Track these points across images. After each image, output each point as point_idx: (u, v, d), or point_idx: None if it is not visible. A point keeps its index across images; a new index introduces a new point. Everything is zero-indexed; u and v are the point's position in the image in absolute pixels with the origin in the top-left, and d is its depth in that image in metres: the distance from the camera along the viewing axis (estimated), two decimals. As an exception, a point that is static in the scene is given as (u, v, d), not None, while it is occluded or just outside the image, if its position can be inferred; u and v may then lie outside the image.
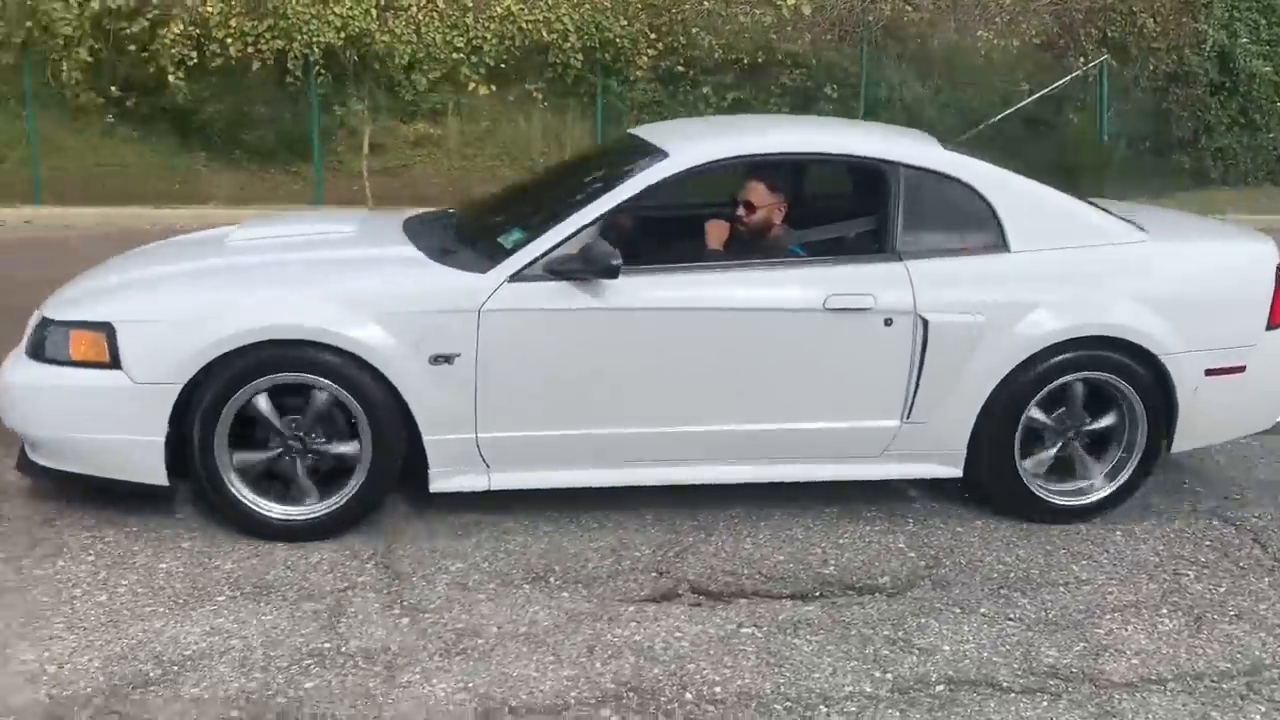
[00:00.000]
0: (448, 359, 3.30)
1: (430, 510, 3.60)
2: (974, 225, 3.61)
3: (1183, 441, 3.79)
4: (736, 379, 3.54)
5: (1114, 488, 3.74)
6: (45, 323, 3.40)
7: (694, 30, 12.59)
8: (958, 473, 3.71)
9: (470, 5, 12.13)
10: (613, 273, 3.31)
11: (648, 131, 4.21)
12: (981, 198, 3.62)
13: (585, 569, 3.31)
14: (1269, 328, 3.72)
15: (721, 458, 3.64)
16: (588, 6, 12.37)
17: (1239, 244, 4.04)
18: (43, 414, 3.35)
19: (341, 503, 3.40)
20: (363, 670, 2.69)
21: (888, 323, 3.46)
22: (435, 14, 12.09)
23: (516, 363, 3.38)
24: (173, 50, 11.34)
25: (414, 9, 12.05)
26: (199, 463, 3.29)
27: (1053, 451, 3.72)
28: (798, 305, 3.44)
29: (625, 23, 12.41)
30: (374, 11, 11.84)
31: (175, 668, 2.67)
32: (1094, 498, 3.75)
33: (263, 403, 3.28)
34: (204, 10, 11.37)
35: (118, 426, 3.26)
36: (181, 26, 11.33)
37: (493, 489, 3.51)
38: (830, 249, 3.76)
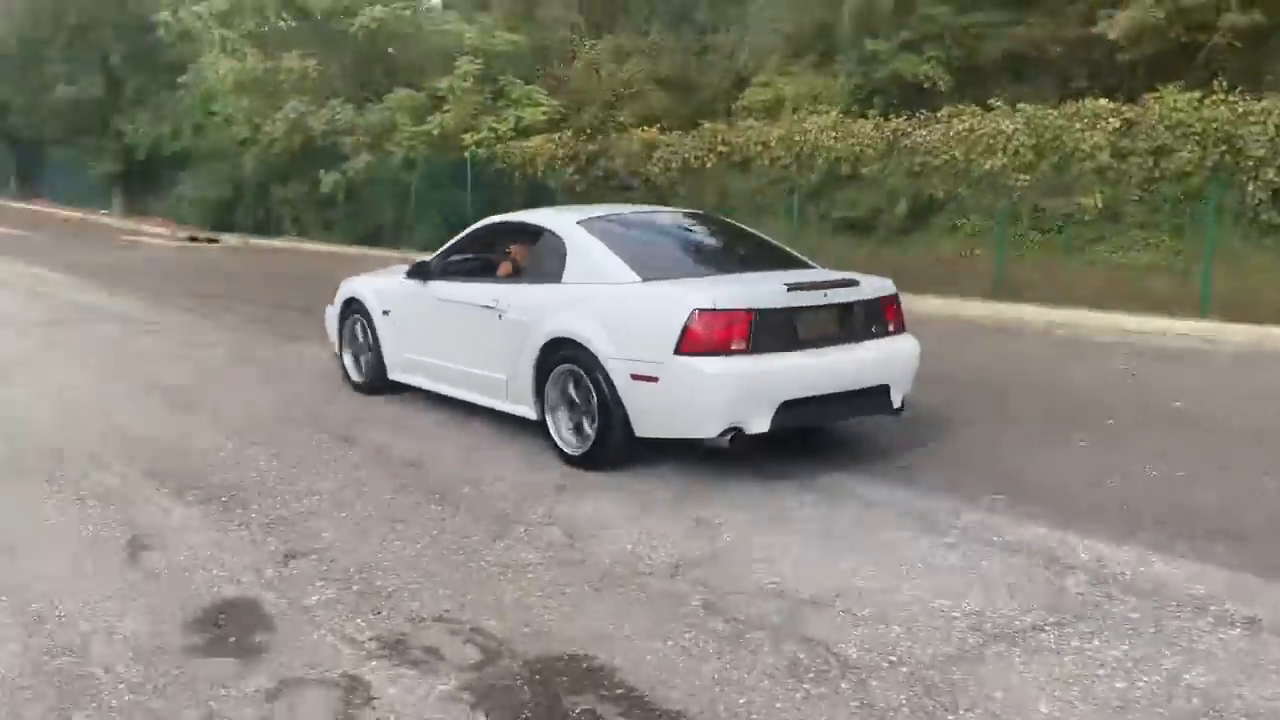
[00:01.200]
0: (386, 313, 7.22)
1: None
2: (556, 265, 5.95)
3: (642, 428, 5.25)
4: (460, 339, 6.56)
5: (589, 445, 5.47)
6: None
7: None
8: (535, 417, 5.92)
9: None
10: (425, 277, 6.84)
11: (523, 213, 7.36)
12: (564, 250, 5.97)
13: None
14: (678, 352, 4.99)
15: (458, 384, 6.64)
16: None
17: (674, 290, 5.33)
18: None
19: None
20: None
21: (500, 317, 6.18)
22: None
23: (404, 318, 7.09)
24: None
25: None
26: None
27: (566, 414, 5.67)
28: (479, 304, 6.36)
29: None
30: None
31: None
32: (580, 450, 5.53)
33: None
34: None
35: None
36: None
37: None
38: (503, 277, 6.59)
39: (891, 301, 5.74)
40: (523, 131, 22.54)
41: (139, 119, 31.79)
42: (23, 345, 9.35)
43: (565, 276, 5.82)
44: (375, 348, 7.29)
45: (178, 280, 15.84)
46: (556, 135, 21.36)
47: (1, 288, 13.92)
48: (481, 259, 7.02)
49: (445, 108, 23.47)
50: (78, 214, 34.66)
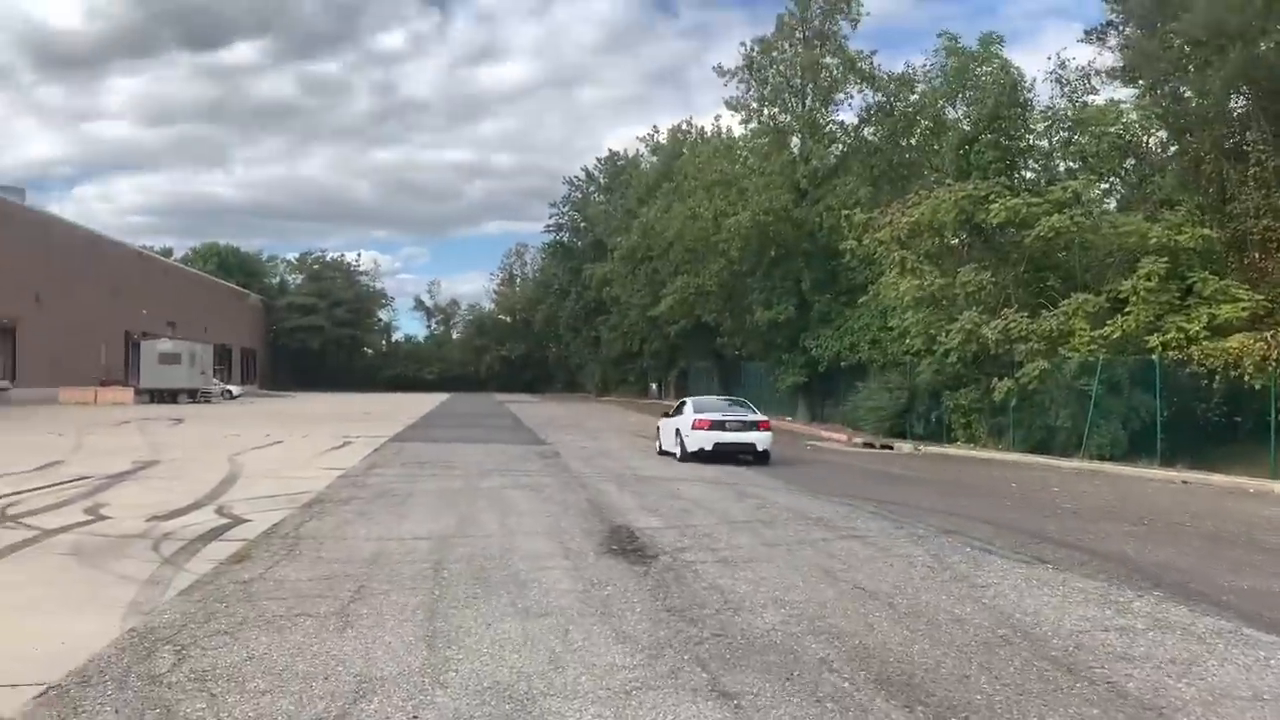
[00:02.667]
0: None
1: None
2: (682, 409, 20.88)
3: (686, 451, 20.80)
4: (669, 434, 22.44)
5: (678, 455, 20.97)
6: None
7: None
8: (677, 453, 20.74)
9: None
10: (666, 415, 18.38)
11: None
12: (685, 405, 21.51)
13: None
14: (692, 428, 20.65)
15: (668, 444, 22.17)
16: None
17: (697, 413, 21.20)
18: None
19: None
20: None
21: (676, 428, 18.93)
22: None
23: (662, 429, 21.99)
24: None
25: None
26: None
27: (676, 446, 21.13)
28: (672, 423, 20.35)
29: None
30: None
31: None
32: (676, 457, 20.38)
33: None
34: None
35: None
36: None
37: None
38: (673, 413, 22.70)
39: (764, 421, 21.18)
40: (1217, 330, 20.50)
41: (823, 335, 35.04)
42: (746, 542, 10.39)
43: (684, 411, 20.81)
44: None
45: (864, 487, 16.66)
46: (1269, 333, 19.03)
47: (715, 486, 15.81)
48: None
49: (1127, 310, 22.35)
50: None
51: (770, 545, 10.21)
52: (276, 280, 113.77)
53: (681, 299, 40.86)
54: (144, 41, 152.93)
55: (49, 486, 14.31)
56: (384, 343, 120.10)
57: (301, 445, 23.99)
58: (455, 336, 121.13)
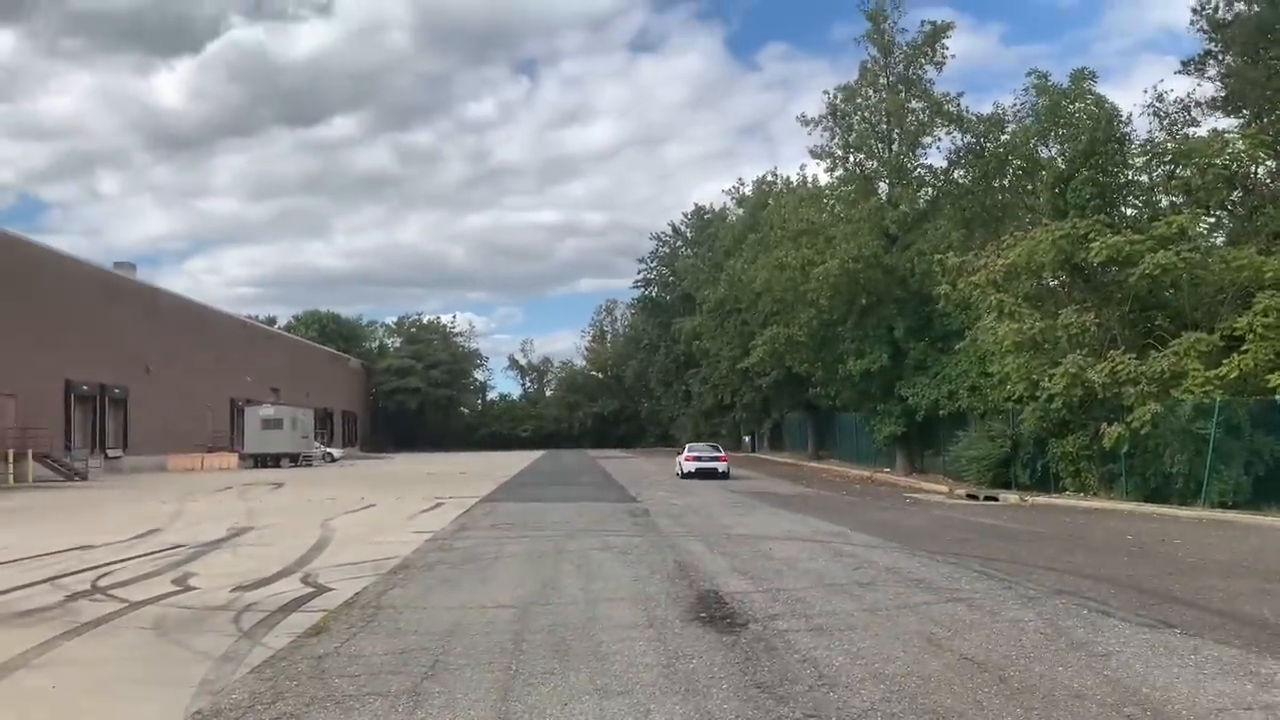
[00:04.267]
0: None
1: None
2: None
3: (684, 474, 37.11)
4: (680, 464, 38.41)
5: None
6: None
7: None
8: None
9: None
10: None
11: None
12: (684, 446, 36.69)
13: None
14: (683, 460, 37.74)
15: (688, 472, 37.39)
16: None
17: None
18: None
19: None
20: None
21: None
22: None
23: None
24: None
25: None
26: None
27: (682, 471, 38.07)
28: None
29: None
30: None
31: None
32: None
33: None
34: None
35: None
36: None
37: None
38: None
39: (723, 455, 38.69)
40: (1350, 365, 19.22)
41: (919, 384, 34.02)
42: (843, 607, 9.81)
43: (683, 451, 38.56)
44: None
45: (966, 542, 15.82)
46: None
47: (809, 544, 15.17)
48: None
49: (1243, 348, 21.15)
50: (864, 472, 37.73)
51: (869, 610, 9.60)
52: (375, 344, 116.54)
53: (771, 350, 40.19)
54: (246, 120, 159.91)
55: (143, 556, 14.45)
56: (479, 402, 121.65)
57: (394, 507, 24.05)
58: (549, 394, 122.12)
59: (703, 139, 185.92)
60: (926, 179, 37.20)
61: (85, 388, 47.31)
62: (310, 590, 11.11)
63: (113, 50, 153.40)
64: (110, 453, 49.14)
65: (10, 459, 38.88)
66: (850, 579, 11.66)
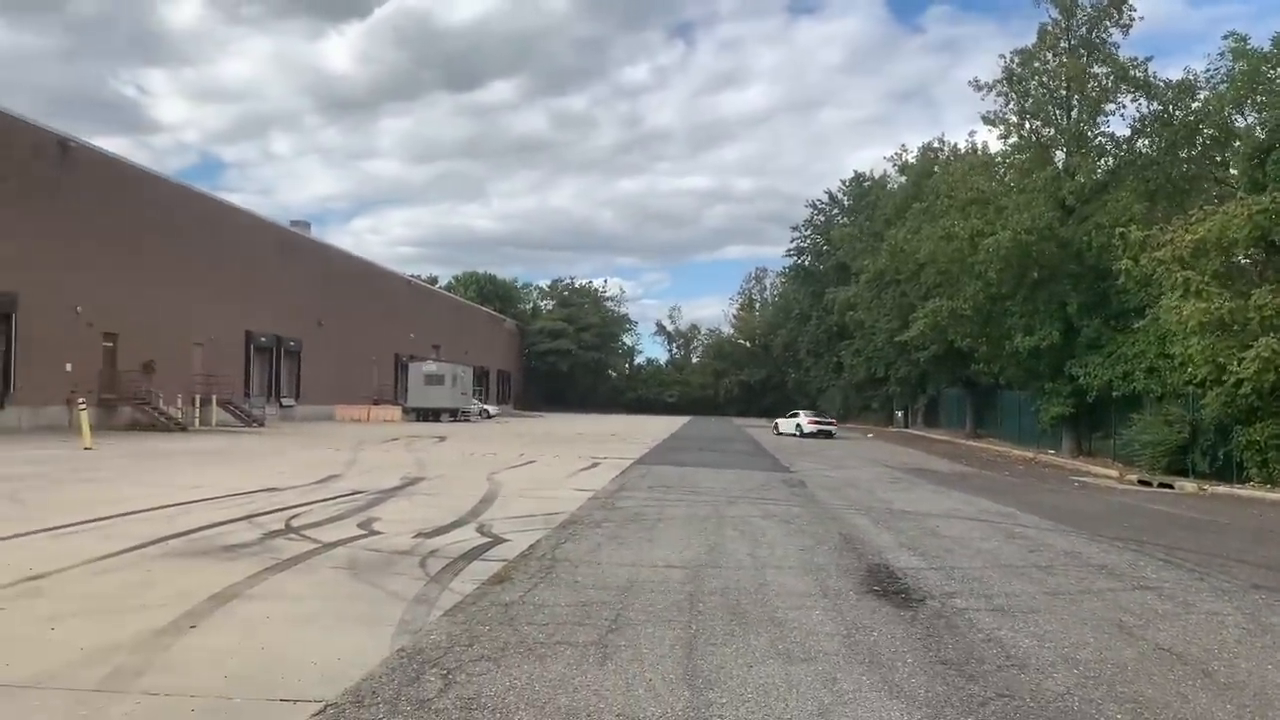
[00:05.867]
0: None
1: None
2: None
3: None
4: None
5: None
6: None
7: None
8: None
9: None
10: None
11: None
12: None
13: None
14: None
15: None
16: None
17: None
18: None
19: None
20: None
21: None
22: None
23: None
24: None
25: None
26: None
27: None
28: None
29: None
30: None
31: None
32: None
33: None
34: None
35: None
36: None
37: None
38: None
39: (834, 420, 56.15)
40: None
41: (1091, 363, 32.55)
42: (1022, 588, 9.54)
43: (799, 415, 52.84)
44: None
45: (1146, 529, 15.14)
46: None
47: (977, 524, 14.79)
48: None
49: None
50: (1028, 453, 36.46)
51: (1050, 594, 9.30)
52: (529, 306, 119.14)
53: (933, 323, 39.03)
54: (409, 84, 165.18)
55: (327, 500, 15.26)
56: (627, 366, 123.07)
57: (553, 465, 24.64)
58: (695, 360, 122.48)
59: (860, 104, 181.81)
60: (1107, 148, 35.39)
61: (263, 339, 50.08)
62: (487, 540, 11.51)
63: (287, 15, 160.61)
64: (284, 401, 51.98)
65: (197, 404, 41.60)
66: (1027, 561, 11.32)
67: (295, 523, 12.49)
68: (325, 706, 5.32)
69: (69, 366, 35.13)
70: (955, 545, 12.44)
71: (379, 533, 11.85)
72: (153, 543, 10.56)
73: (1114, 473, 27.66)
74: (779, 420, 55.81)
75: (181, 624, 7.05)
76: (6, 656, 6.09)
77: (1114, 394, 31.57)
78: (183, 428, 38.18)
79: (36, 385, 33.44)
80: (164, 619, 7.13)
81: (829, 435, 49.49)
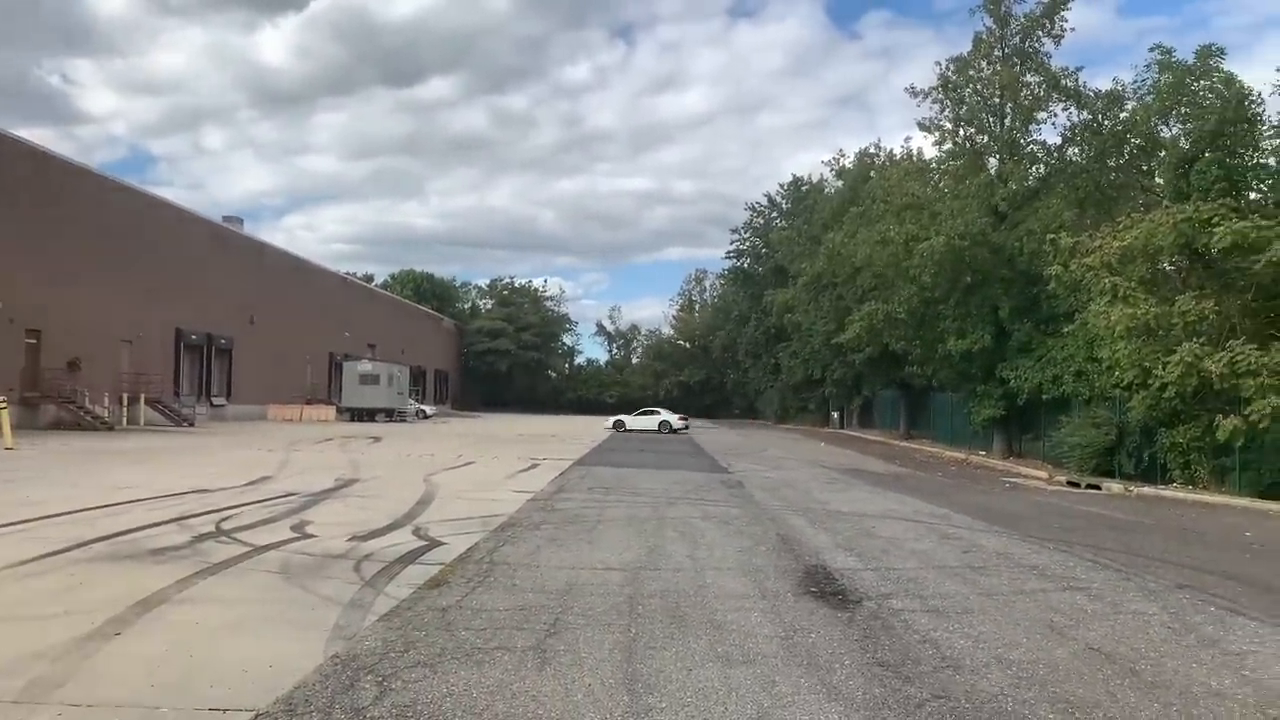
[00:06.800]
0: None
1: None
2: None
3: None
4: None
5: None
6: None
7: None
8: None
9: None
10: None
11: None
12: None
13: None
14: None
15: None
16: None
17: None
18: None
19: None
20: None
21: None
22: None
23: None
24: None
25: None
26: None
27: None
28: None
29: None
30: None
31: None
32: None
33: None
34: None
35: None
36: None
37: None
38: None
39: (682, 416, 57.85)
40: None
41: (1022, 366, 33.22)
42: (956, 589, 9.67)
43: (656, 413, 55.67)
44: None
45: (1074, 530, 15.47)
46: None
47: (912, 524, 14.98)
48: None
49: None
50: (960, 454, 37.08)
51: (984, 595, 9.45)
52: (468, 305, 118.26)
53: (868, 326, 39.51)
54: (347, 79, 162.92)
55: (259, 502, 14.96)
56: (567, 366, 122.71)
57: (492, 466, 24.46)
58: (635, 361, 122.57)
59: (798, 108, 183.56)
60: (1039, 155, 36.11)
61: (194, 337, 49.00)
62: (423, 543, 11.37)
63: (221, 7, 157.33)
64: (215, 400, 50.91)
65: (125, 402, 40.55)
66: (961, 562, 11.49)
67: (226, 525, 12.22)
68: (257, 716, 5.20)
69: (-11, 364, 34.00)
70: (891, 546, 12.58)
71: (312, 536, 11.64)
72: (76, 546, 10.26)
73: (1043, 474, 28.23)
74: (626, 417, 57.11)
75: (106, 631, 6.84)
76: (-82, 667, 5.85)
77: (1044, 397, 32.25)
78: (110, 427, 37.19)
79: (-47, 383, 32.30)
80: (87, 626, 6.92)
81: (673, 430, 53.75)
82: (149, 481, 17.40)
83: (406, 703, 5.49)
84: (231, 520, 12.69)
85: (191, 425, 43.05)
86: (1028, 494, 22.94)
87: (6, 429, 25.95)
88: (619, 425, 54.48)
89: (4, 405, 26.92)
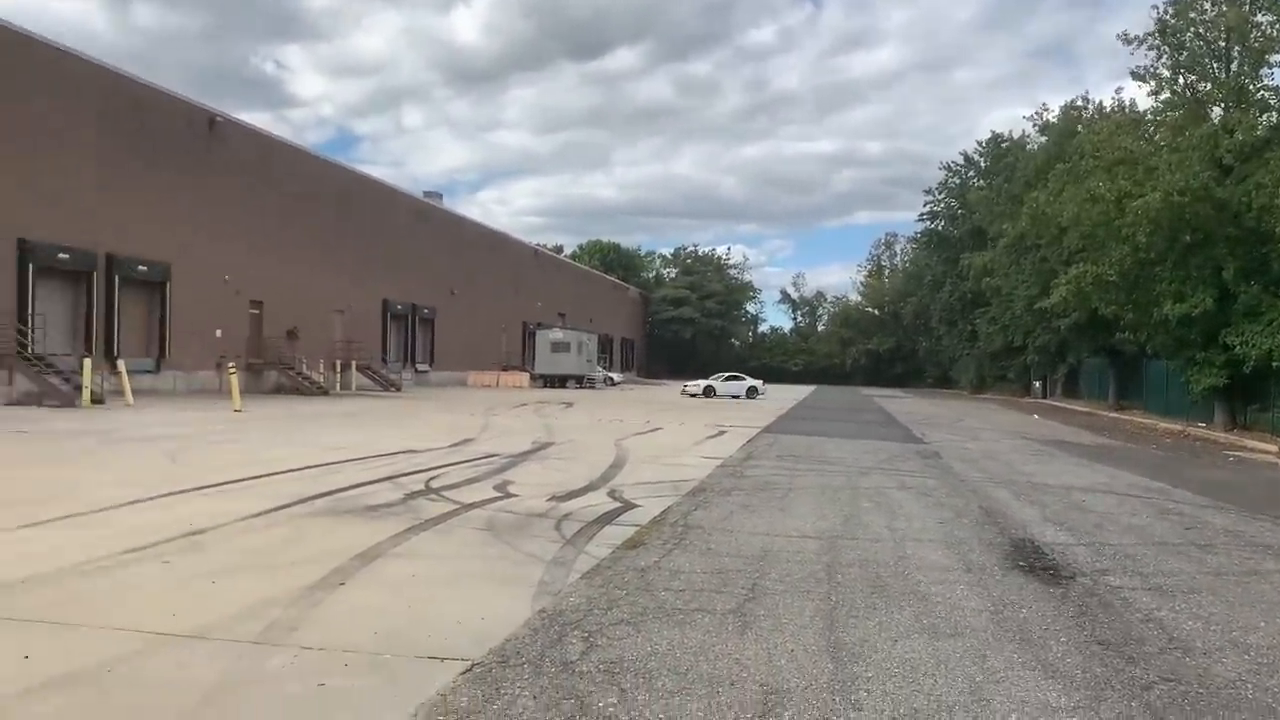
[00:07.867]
0: None
1: None
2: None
3: None
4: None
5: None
6: None
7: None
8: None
9: None
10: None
11: None
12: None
13: None
14: None
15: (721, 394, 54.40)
16: None
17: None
18: None
19: None
20: None
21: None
22: None
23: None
24: None
25: None
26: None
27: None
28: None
29: None
30: None
31: None
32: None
33: None
34: None
35: None
36: None
37: None
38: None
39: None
40: None
41: (1249, 331, 30.69)
42: (1181, 567, 9.06)
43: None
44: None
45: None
46: None
47: (1125, 498, 14.13)
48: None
49: None
50: (1176, 426, 34.74)
51: (1213, 574, 8.80)
52: (652, 274, 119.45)
53: (1076, 290, 37.25)
54: (536, 54, 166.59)
55: (464, 462, 15.61)
56: (750, 334, 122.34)
57: (679, 432, 24.67)
58: (820, 329, 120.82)
59: (994, 62, 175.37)
60: (1271, 102, 33.06)
61: (399, 307, 51.53)
62: (619, 505, 11.57)
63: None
64: (419, 367, 53.50)
65: (338, 368, 43.17)
66: (1184, 539, 10.75)
67: (435, 484, 12.81)
68: (472, 665, 5.40)
69: (218, 333, 36.87)
70: (1104, 520, 11.90)
71: (514, 495, 12.05)
72: (299, 501, 10.97)
73: (1273, 448, 26.06)
74: (714, 380, 57.03)
75: (331, 581, 7.27)
76: (173, 607, 6.38)
77: (1274, 364, 29.70)
78: (324, 391, 39.68)
79: (188, 351, 35.22)
80: (314, 575, 7.37)
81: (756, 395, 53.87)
82: (362, 442, 18.44)
83: (613, 659, 5.58)
84: (439, 479, 13.29)
85: (398, 390, 45.38)
86: (1256, 469, 21.25)
87: (235, 393, 28.06)
88: (709, 391, 54.42)
89: (234, 371, 29.12)
